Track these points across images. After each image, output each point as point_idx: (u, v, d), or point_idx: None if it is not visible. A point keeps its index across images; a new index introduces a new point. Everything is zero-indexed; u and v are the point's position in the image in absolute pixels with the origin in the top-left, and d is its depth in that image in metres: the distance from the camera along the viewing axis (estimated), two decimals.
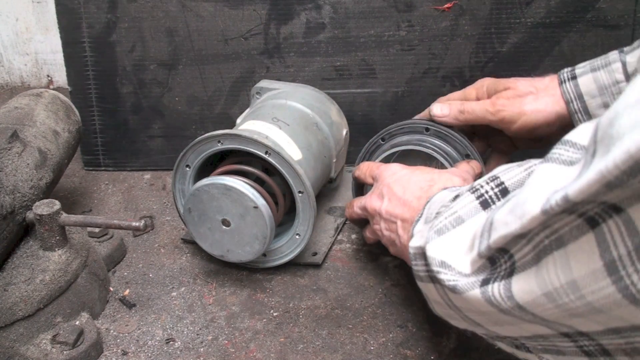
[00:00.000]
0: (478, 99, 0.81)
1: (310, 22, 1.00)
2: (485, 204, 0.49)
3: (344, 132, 0.96)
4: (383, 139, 0.85)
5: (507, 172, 0.49)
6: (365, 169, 0.79)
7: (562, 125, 0.75)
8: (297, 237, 0.80)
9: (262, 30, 1.01)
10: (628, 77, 0.70)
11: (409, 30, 1.00)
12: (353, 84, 1.04)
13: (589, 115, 0.73)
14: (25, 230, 0.74)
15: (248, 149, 0.75)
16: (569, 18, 0.98)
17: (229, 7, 1.00)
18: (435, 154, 0.81)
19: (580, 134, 0.39)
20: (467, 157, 0.81)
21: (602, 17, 0.97)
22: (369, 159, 0.86)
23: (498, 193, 0.49)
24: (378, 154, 0.86)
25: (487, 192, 0.49)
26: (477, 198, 0.50)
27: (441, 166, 0.82)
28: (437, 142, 0.82)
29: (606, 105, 0.72)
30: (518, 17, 0.98)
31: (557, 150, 0.39)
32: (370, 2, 0.98)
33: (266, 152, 0.74)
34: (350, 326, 0.74)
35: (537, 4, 0.97)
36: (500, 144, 0.86)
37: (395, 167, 0.73)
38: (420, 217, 0.58)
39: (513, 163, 0.50)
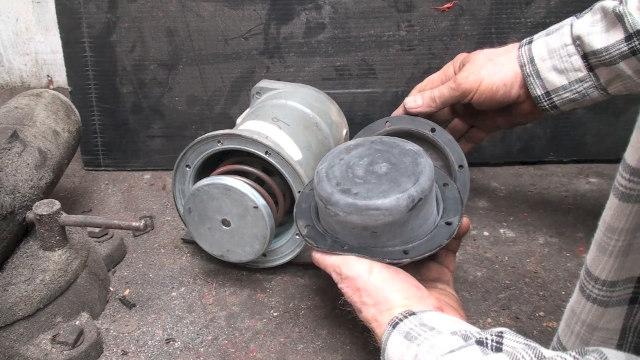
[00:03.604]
0: (456, 74, 0.82)
1: (310, 22, 1.00)
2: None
3: (344, 132, 0.96)
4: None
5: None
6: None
7: (520, 85, 0.76)
8: (297, 237, 0.80)
9: (262, 30, 1.01)
10: (574, 40, 0.71)
11: (409, 30, 1.00)
12: (353, 84, 1.04)
13: (540, 79, 0.74)
14: (25, 230, 0.74)
15: (248, 149, 0.75)
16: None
17: (229, 7, 1.00)
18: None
19: None
20: (460, 167, 0.81)
21: None
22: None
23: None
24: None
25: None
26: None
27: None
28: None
29: (555, 68, 0.73)
30: (518, 17, 0.98)
31: None
32: (370, 2, 0.98)
33: (266, 152, 0.74)
34: (351, 326, 0.74)
35: (537, 4, 0.97)
36: (479, 121, 0.87)
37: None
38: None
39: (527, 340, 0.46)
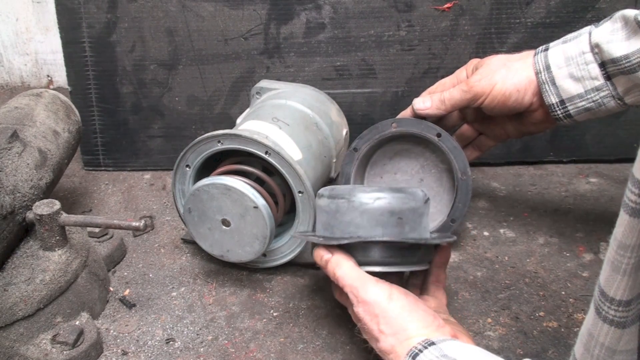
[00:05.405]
0: (468, 78, 0.80)
1: (310, 22, 1.00)
2: None
3: (344, 132, 0.96)
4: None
5: None
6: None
7: (533, 92, 0.75)
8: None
9: (262, 30, 1.01)
10: (592, 48, 0.70)
11: (409, 30, 1.00)
12: (353, 84, 1.04)
13: (555, 87, 0.72)
14: (25, 230, 0.74)
15: (248, 149, 0.75)
16: (569, 18, 0.98)
17: (229, 7, 1.00)
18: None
19: None
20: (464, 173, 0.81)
21: (602, 17, 0.96)
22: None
23: None
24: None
25: None
26: None
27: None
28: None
29: (571, 76, 0.71)
30: (518, 17, 0.98)
31: None
32: (370, 2, 0.98)
33: (266, 152, 0.74)
34: (350, 326, 0.74)
35: (537, 4, 0.97)
36: (488, 129, 0.86)
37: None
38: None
39: None
